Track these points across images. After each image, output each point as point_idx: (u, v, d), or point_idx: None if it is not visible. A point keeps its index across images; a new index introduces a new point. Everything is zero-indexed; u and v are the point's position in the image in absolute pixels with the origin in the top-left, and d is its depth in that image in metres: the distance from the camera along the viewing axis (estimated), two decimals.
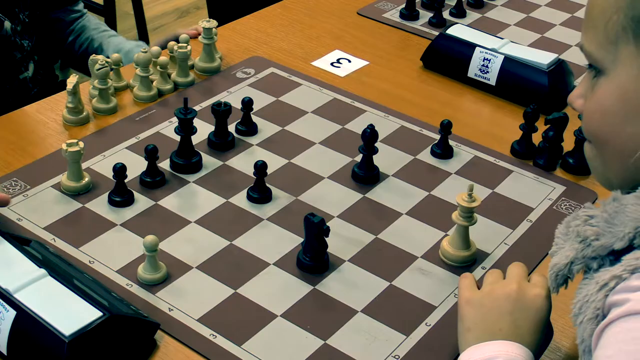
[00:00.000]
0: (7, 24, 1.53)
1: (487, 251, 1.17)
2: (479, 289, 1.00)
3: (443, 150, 1.35)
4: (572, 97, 0.88)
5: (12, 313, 0.93)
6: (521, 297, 0.95)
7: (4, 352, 0.94)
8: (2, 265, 0.98)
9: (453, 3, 1.81)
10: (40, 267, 0.98)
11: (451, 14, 1.79)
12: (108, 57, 1.40)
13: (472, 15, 1.80)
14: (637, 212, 0.78)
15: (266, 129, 1.39)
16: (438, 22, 1.74)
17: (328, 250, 1.12)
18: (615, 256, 0.80)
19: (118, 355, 0.95)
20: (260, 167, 1.21)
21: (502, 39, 1.57)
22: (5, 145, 1.31)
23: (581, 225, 0.85)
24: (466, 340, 0.95)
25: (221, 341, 1.00)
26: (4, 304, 0.93)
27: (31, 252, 1.02)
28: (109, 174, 1.21)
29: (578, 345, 0.82)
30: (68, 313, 0.92)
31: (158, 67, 1.45)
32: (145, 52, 1.42)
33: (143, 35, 3.00)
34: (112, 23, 2.93)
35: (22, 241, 1.04)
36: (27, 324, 0.92)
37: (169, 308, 1.04)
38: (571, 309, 0.83)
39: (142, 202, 1.21)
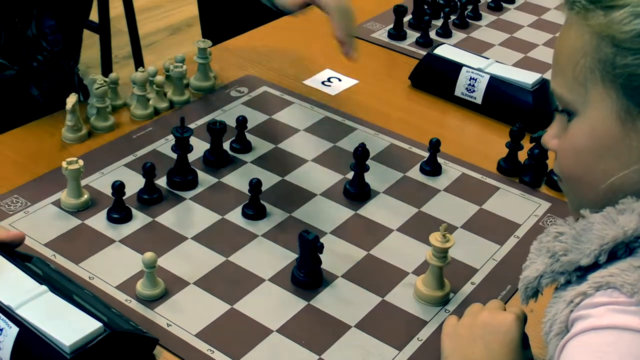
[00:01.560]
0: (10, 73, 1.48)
1: (475, 267, 1.17)
2: None
3: (432, 168, 1.36)
4: (547, 138, 0.90)
5: (15, 329, 0.92)
6: (491, 321, 0.95)
7: None
8: (4, 282, 0.98)
9: (439, 23, 1.81)
10: (41, 283, 0.97)
11: (437, 34, 1.80)
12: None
13: (458, 36, 1.81)
14: (603, 230, 0.80)
15: (260, 146, 1.39)
16: (425, 42, 1.75)
17: (322, 266, 1.12)
18: (582, 272, 0.81)
19: None
20: (255, 185, 1.20)
21: (487, 58, 1.58)
22: (6, 163, 1.30)
23: (551, 241, 0.86)
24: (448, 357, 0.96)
25: (219, 356, 1.00)
26: (7, 320, 0.93)
27: (32, 268, 1.01)
28: (108, 191, 1.20)
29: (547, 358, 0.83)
30: (69, 329, 0.91)
31: (154, 86, 1.45)
32: (143, 71, 1.42)
33: (137, 51, 3.00)
34: (106, 40, 2.93)
35: (23, 258, 1.04)
36: (29, 339, 0.92)
37: (167, 323, 1.03)
38: (542, 327, 0.85)
39: (140, 218, 1.20)
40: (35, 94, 1.52)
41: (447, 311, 1.09)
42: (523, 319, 0.96)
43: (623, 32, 0.77)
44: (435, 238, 1.06)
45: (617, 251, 0.80)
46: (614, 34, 0.77)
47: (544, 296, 0.88)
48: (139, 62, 3.00)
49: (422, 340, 1.04)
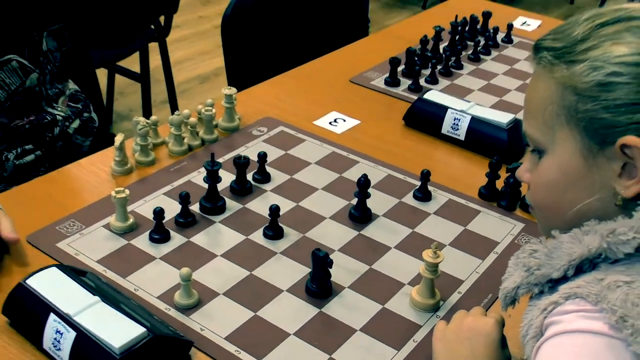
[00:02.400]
0: (34, 76, 1.53)
1: (461, 279, 1.16)
2: None
3: (423, 195, 1.35)
4: (520, 172, 0.91)
5: (73, 334, 0.92)
6: (475, 325, 0.95)
7: None
8: (63, 293, 0.98)
9: (428, 72, 1.81)
10: (94, 294, 0.98)
11: (426, 81, 1.79)
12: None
13: (444, 83, 1.81)
14: (571, 249, 0.80)
15: (278, 177, 1.39)
16: (416, 88, 1.75)
17: (331, 278, 1.11)
18: (553, 284, 0.81)
19: None
20: (274, 210, 1.20)
21: (468, 102, 1.58)
22: (64, 193, 1.30)
23: (526, 257, 0.86)
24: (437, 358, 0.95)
25: (245, 356, 0.99)
26: (66, 325, 0.93)
27: (87, 282, 1.01)
28: (150, 215, 1.20)
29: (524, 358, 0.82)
30: (118, 333, 0.91)
31: (189, 127, 1.45)
32: (178, 114, 1.42)
33: (172, 97, 3.02)
34: (147, 88, 2.94)
35: (79, 272, 1.04)
36: (85, 342, 0.92)
37: (201, 328, 1.03)
38: (520, 331, 0.84)
39: (177, 239, 1.20)
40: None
41: (437, 317, 1.08)
42: (502, 323, 0.96)
43: (583, 82, 0.77)
44: (427, 254, 1.06)
45: (583, 266, 0.80)
46: (575, 85, 0.78)
47: (520, 304, 0.88)
48: (174, 106, 3.01)
49: (417, 341, 1.03)
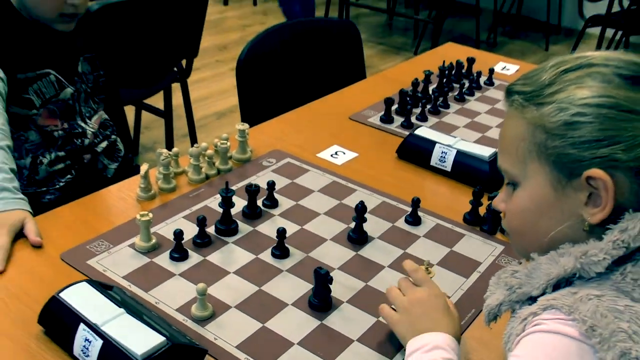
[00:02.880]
0: (69, 90, 1.59)
1: (448, 295, 1.16)
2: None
3: (414, 219, 1.36)
4: (496, 202, 0.91)
5: (100, 342, 0.93)
6: (420, 297, 1.01)
7: None
8: (92, 305, 0.98)
9: (418, 111, 1.82)
10: (119, 307, 0.98)
11: (417, 119, 1.81)
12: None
13: (432, 120, 1.82)
14: (549, 269, 0.81)
15: (285, 203, 1.39)
16: (408, 125, 1.76)
17: (331, 294, 1.12)
18: (532, 301, 0.82)
19: None
20: (281, 232, 1.21)
21: (454, 137, 1.59)
22: (94, 216, 1.31)
23: (508, 277, 0.87)
24: (406, 335, 0.98)
25: None
26: (94, 334, 0.94)
27: (113, 295, 1.01)
28: (170, 236, 1.21)
29: None
30: (141, 342, 0.92)
31: (206, 158, 1.46)
32: (197, 147, 1.44)
33: (192, 131, 3.04)
34: (169, 123, 2.97)
35: (106, 287, 1.04)
36: (110, 350, 0.92)
37: (214, 338, 1.03)
38: (503, 340, 0.84)
39: (194, 257, 1.21)
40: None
41: None
42: (435, 286, 1.03)
43: (552, 122, 0.78)
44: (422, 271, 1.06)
45: (560, 284, 0.80)
46: (545, 124, 0.79)
47: (501, 318, 0.88)
48: (193, 139, 3.03)
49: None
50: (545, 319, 0.76)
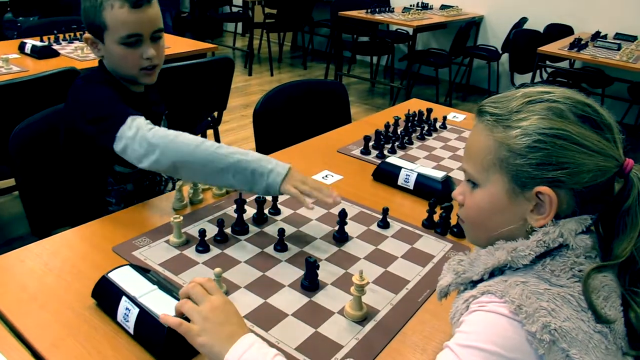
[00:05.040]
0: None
1: (409, 279, 1.13)
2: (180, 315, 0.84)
3: (384, 224, 1.33)
4: (455, 194, 0.88)
5: (137, 310, 0.90)
6: (215, 306, 0.82)
7: (132, 332, 0.90)
8: (133, 282, 0.96)
9: (389, 146, 1.81)
10: (153, 284, 0.95)
11: (388, 152, 1.79)
12: None
13: (400, 153, 1.80)
14: (486, 260, 0.79)
15: (285, 212, 1.37)
16: (381, 156, 1.74)
17: (318, 278, 1.09)
18: (473, 284, 0.80)
19: None
20: (281, 232, 1.19)
21: (416, 164, 1.57)
22: (141, 220, 1.29)
23: (456, 264, 0.84)
24: (214, 351, 0.79)
25: (257, 329, 0.96)
26: (132, 304, 0.91)
27: (149, 276, 0.99)
28: (197, 234, 1.19)
29: (452, 334, 0.80)
30: (168, 310, 0.88)
31: None
32: None
33: None
34: None
35: (145, 270, 1.02)
36: (145, 316, 0.89)
37: None
38: (449, 315, 0.82)
39: (214, 250, 1.18)
40: None
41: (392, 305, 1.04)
42: (222, 295, 0.84)
43: (516, 144, 0.75)
44: (356, 278, 0.98)
45: (494, 272, 0.78)
46: (509, 144, 0.75)
47: (450, 297, 0.86)
48: None
49: (377, 321, 1.00)
50: (483, 302, 0.74)
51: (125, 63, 1.33)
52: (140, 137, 1.18)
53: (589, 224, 0.75)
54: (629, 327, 0.73)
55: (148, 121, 1.23)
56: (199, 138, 1.20)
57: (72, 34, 3.06)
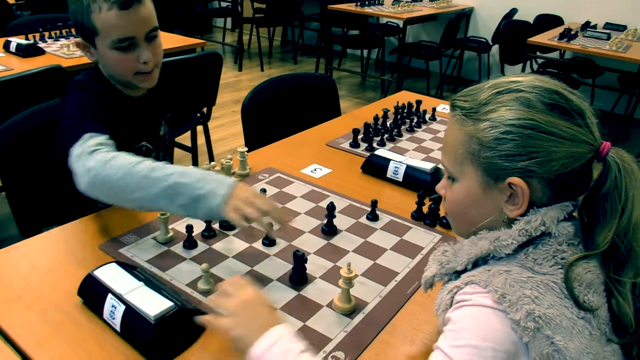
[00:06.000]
0: (152, 155, 1.43)
1: (397, 271, 1.13)
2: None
3: (373, 216, 1.33)
4: (438, 188, 0.89)
5: (123, 307, 0.90)
6: (246, 299, 0.84)
7: (118, 330, 0.90)
8: (119, 280, 0.95)
9: (378, 139, 1.81)
10: (140, 281, 0.95)
11: (378, 144, 1.79)
12: None
13: (389, 145, 1.80)
14: (469, 250, 0.79)
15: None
16: (370, 148, 1.74)
17: (307, 272, 1.09)
18: (457, 274, 0.80)
19: (184, 331, 0.91)
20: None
21: (405, 156, 1.57)
22: (128, 217, 1.27)
23: (440, 255, 0.85)
24: (246, 343, 0.79)
25: None
26: (118, 301, 0.90)
27: (136, 273, 0.98)
28: (183, 230, 1.18)
29: (439, 327, 0.80)
30: (154, 306, 0.89)
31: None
32: (207, 165, 1.41)
33: (212, 161, 3.00)
34: (195, 157, 2.94)
35: (131, 267, 1.01)
36: (131, 313, 0.89)
37: (215, 305, 0.99)
38: (434, 307, 0.82)
39: (202, 246, 1.17)
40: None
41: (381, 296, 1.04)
42: (251, 289, 0.86)
43: (485, 137, 0.75)
44: (344, 271, 0.98)
45: (478, 262, 0.78)
46: (479, 137, 0.76)
47: (435, 288, 0.86)
48: None
49: (365, 313, 1.00)
50: (468, 293, 0.74)
51: (119, 68, 1.25)
52: (83, 158, 1.05)
53: (570, 210, 0.76)
54: (612, 314, 0.73)
55: (104, 142, 1.10)
56: (136, 158, 1.04)
57: (57, 32, 3.03)
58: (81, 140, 1.09)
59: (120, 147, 1.13)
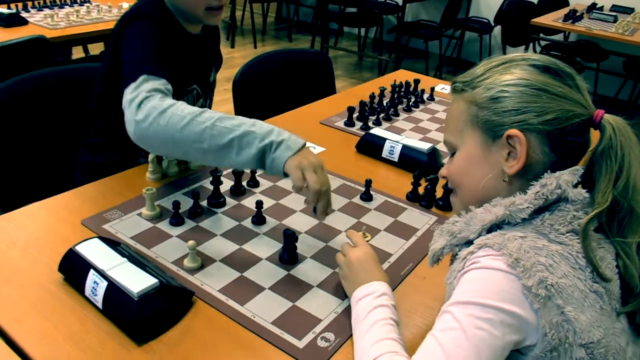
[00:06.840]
0: (200, 101, 1.43)
1: (391, 252, 1.13)
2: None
3: (367, 197, 1.32)
4: (441, 172, 0.91)
5: (105, 283, 0.89)
6: (357, 256, 0.96)
7: (100, 307, 0.89)
8: (101, 255, 0.94)
9: (374, 118, 1.80)
10: (123, 257, 0.94)
11: (373, 123, 1.78)
12: None
13: (385, 125, 1.79)
14: (483, 217, 0.80)
15: (265, 184, 1.35)
16: (365, 127, 1.73)
17: (298, 251, 1.08)
18: (470, 244, 0.79)
19: (168, 309, 0.90)
20: (259, 204, 1.17)
21: (401, 136, 1.56)
22: (113, 191, 1.26)
23: (450, 225, 0.85)
24: (351, 287, 0.93)
25: (232, 303, 0.95)
26: (101, 277, 0.90)
27: (119, 249, 0.97)
28: (170, 207, 1.17)
29: (446, 297, 0.79)
30: (137, 283, 0.88)
31: None
32: None
33: None
34: None
35: (115, 243, 1.00)
36: (113, 289, 0.88)
37: (201, 283, 0.99)
38: (445, 278, 0.82)
39: (189, 223, 1.16)
40: None
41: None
42: (368, 247, 0.98)
43: (481, 98, 0.81)
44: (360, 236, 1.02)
45: (492, 229, 0.79)
46: (476, 100, 0.81)
47: (441, 263, 0.86)
48: None
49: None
50: (479, 257, 0.74)
51: (191, 1, 1.26)
52: (135, 105, 1.03)
53: (581, 173, 0.77)
54: (623, 282, 0.75)
55: (159, 87, 1.07)
56: (194, 108, 1.02)
57: (41, 1, 2.97)
58: (137, 82, 1.08)
59: (173, 86, 1.13)
